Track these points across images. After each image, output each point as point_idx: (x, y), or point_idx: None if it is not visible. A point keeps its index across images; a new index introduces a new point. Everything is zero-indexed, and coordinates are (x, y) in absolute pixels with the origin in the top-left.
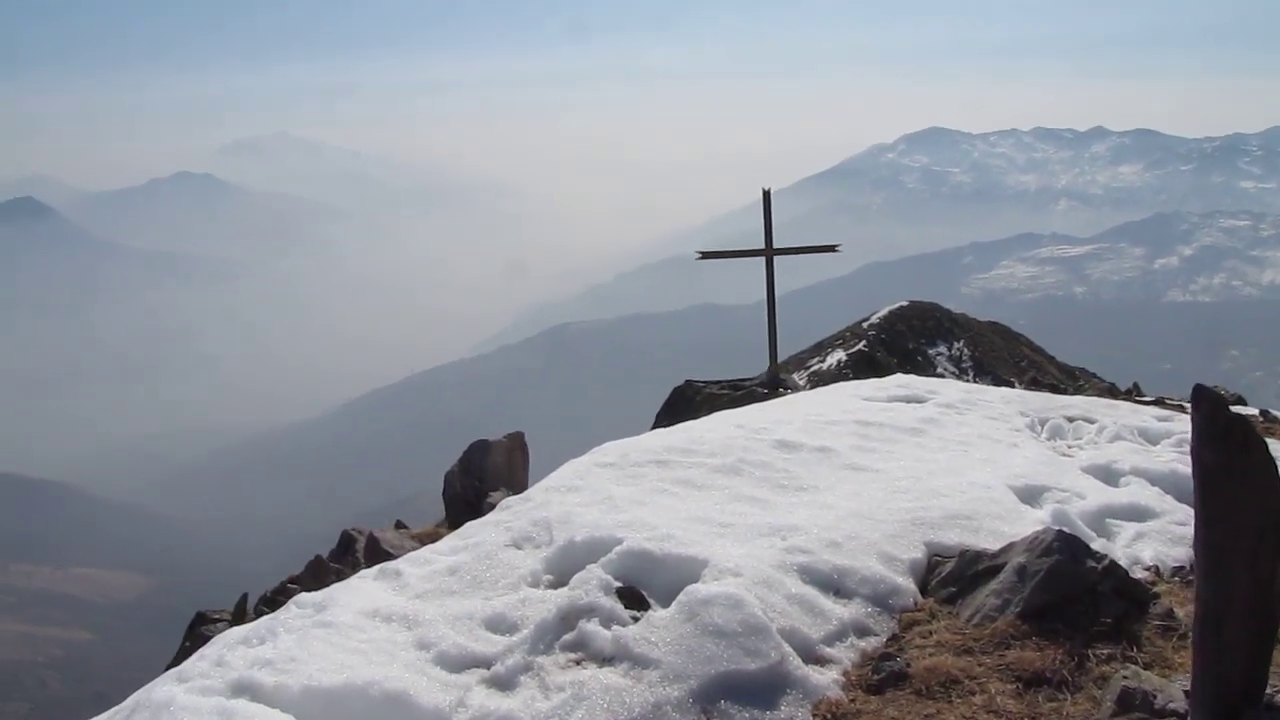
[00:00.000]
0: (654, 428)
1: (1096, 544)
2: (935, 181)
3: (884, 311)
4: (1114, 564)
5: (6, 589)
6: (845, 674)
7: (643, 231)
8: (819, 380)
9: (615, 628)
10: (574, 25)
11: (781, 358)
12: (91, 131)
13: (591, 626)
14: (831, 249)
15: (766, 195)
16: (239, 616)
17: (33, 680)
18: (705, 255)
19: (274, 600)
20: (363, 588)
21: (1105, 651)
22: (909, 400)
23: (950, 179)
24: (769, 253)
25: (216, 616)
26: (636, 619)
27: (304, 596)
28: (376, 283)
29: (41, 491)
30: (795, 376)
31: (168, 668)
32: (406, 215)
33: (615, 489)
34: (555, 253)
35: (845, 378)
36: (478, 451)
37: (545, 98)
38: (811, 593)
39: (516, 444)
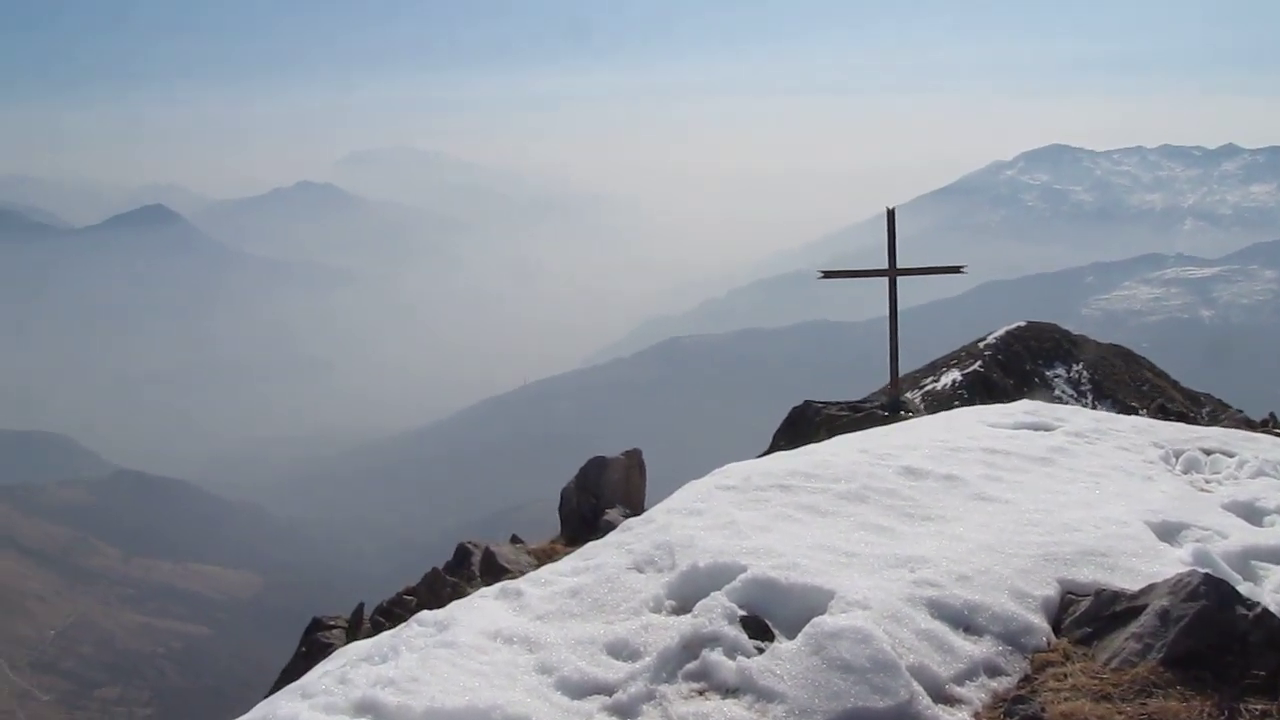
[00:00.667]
0: (772, 448)
1: (1242, 587)
2: (1056, 200)
3: (1001, 331)
4: (1267, 612)
5: (129, 581)
6: (976, 715)
7: (756, 246)
8: (933, 400)
9: (740, 658)
10: (688, 39)
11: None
12: (219, 142)
13: (715, 656)
14: (957, 270)
15: (890, 214)
16: (355, 626)
17: (152, 670)
18: (827, 274)
19: (389, 611)
20: (484, 607)
21: (1259, 708)
22: (1036, 428)
23: (1071, 197)
24: (893, 273)
25: (332, 623)
26: (761, 650)
27: (425, 615)
28: (491, 293)
29: (164, 489)
30: (909, 396)
31: (283, 672)
32: (521, 227)
33: (738, 513)
34: (668, 267)
35: (960, 398)
36: (595, 468)
37: (662, 111)
38: (941, 628)
39: (634, 461)
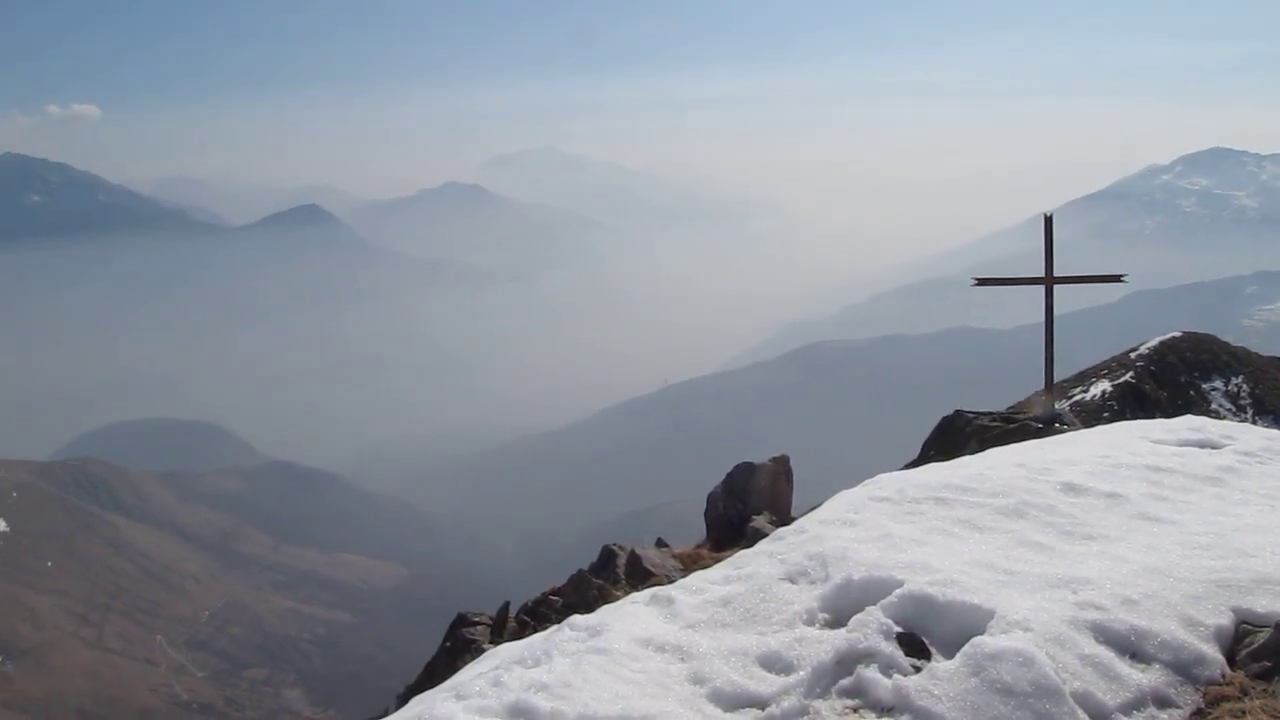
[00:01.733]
0: (922, 457)
1: None
2: (1216, 205)
3: (1154, 342)
4: None
5: (278, 568)
6: None
7: (899, 251)
8: (1081, 410)
9: (896, 676)
10: (832, 41)
11: (1034, 390)
12: (371, 143)
13: (871, 673)
14: (1117, 279)
15: (1048, 221)
16: (500, 624)
17: (297, 654)
18: (981, 282)
19: (535, 610)
20: (635, 613)
21: None
22: (1203, 445)
23: (1233, 203)
24: (1049, 281)
25: (476, 619)
26: (918, 668)
27: (577, 619)
28: (633, 295)
29: (314, 480)
30: (1061, 407)
31: (428, 666)
32: (665, 230)
33: (893, 526)
34: (811, 271)
35: (1109, 409)
36: (742, 473)
37: (805, 115)
38: (1106, 654)
39: (781, 468)
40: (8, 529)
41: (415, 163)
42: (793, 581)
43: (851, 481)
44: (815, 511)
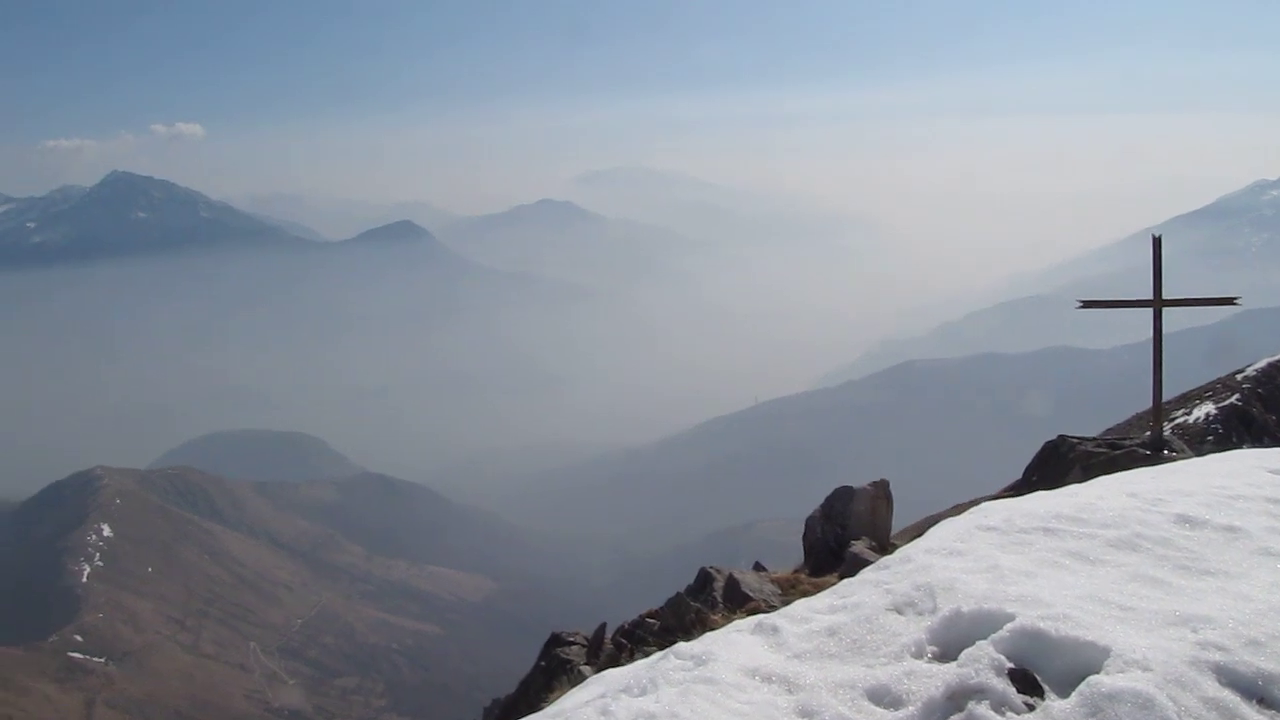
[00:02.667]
0: (1023, 483)
1: None
2: None
3: (1263, 363)
4: None
5: (369, 578)
6: None
7: (995, 269)
8: (1183, 434)
9: (1008, 714)
10: (926, 58)
11: (1143, 409)
12: (465, 160)
13: (982, 710)
14: (1229, 301)
15: (1157, 242)
16: (596, 646)
17: (387, 664)
18: (1087, 304)
19: (631, 633)
20: (740, 642)
21: None
22: None
23: None
24: (1158, 304)
25: (571, 639)
26: (1031, 706)
27: (683, 647)
28: (725, 311)
29: (405, 492)
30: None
31: (522, 683)
32: (756, 246)
33: (1001, 557)
34: (905, 288)
35: (1214, 433)
36: (841, 498)
37: (900, 132)
38: (1231, 698)
39: (881, 493)
40: (112, 534)
41: (509, 179)
42: (900, 612)
43: (945, 503)
44: (920, 540)
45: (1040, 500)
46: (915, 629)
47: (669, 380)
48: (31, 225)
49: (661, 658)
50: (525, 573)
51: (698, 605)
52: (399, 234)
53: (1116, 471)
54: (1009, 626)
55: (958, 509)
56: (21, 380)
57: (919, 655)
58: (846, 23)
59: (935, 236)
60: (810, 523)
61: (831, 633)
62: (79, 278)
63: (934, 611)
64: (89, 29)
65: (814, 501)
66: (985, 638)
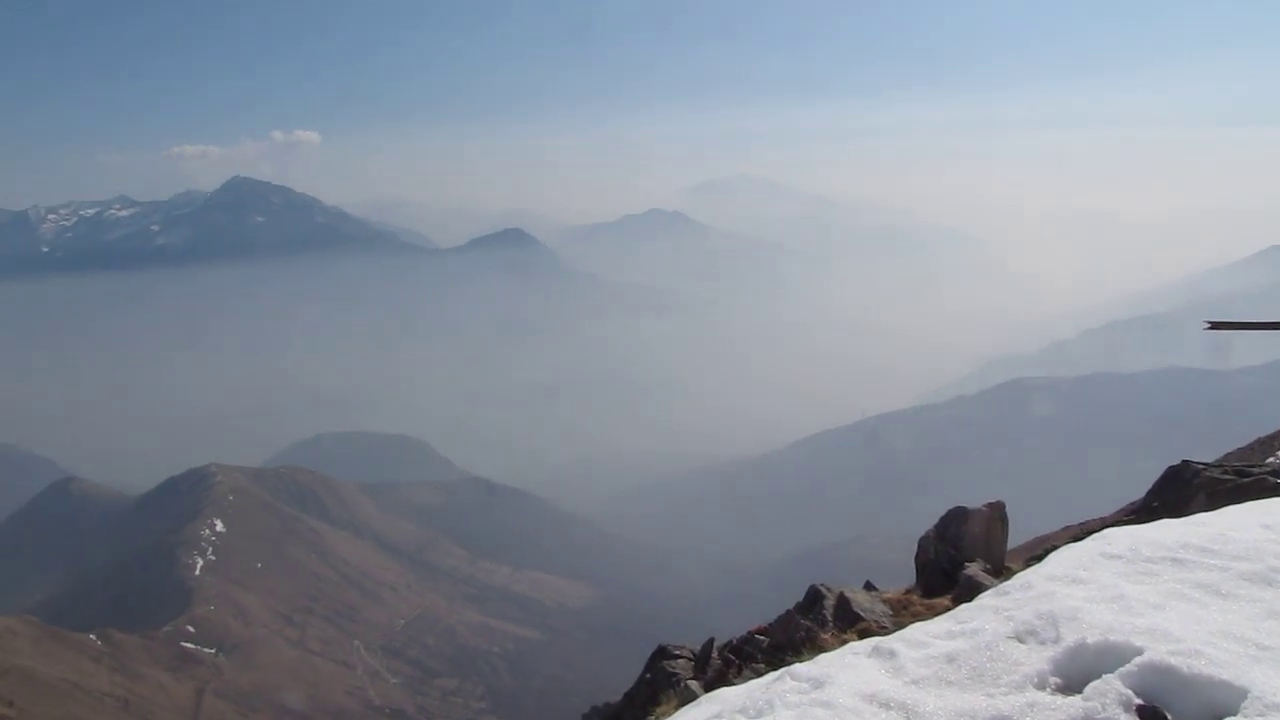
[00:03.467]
0: (1144, 509)
1: None
2: None
3: None
4: None
5: (472, 582)
6: None
7: (1109, 287)
8: None
9: None
10: (1035, 70)
11: (1265, 434)
12: (575, 169)
13: None
14: None
15: None
16: (703, 660)
17: (487, 667)
18: (1215, 326)
19: (740, 649)
20: (857, 665)
21: None
22: None
23: None
24: None
25: (678, 653)
26: None
27: (799, 669)
28: (832, 325)
29: (509, 498)
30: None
31: (627, 695)
32: (863, 259)
33: (1126, 586)
34: (1015, 305)
35: None
36: (955, 519)
37: (1011, 145)
38: None
39: (997, 514)
40: (224, 530)
41: (619, 188)
42: (1021, 641)
43: (1053, 525)
44: (1040, 565)
45: (1167, 529)
46: (1038, 659)
47: (775, 392)
48: (155, 228)
49: (777, 678)
50: (625, 582)
51: (808, 624)
52: (509, 241)
53: (1245, 500)
54: (1137, 661)
55: (1068, 531)
56: (142, 378)
57: (1042, 686)
58: (960, 35)
59: (1047, 253)
60: (923, 542)
61: (950, 659)
62: (199, 279)
63: (1057, 641)
64: (216, 41)
65: (917, 518)
66: (1112, 671)
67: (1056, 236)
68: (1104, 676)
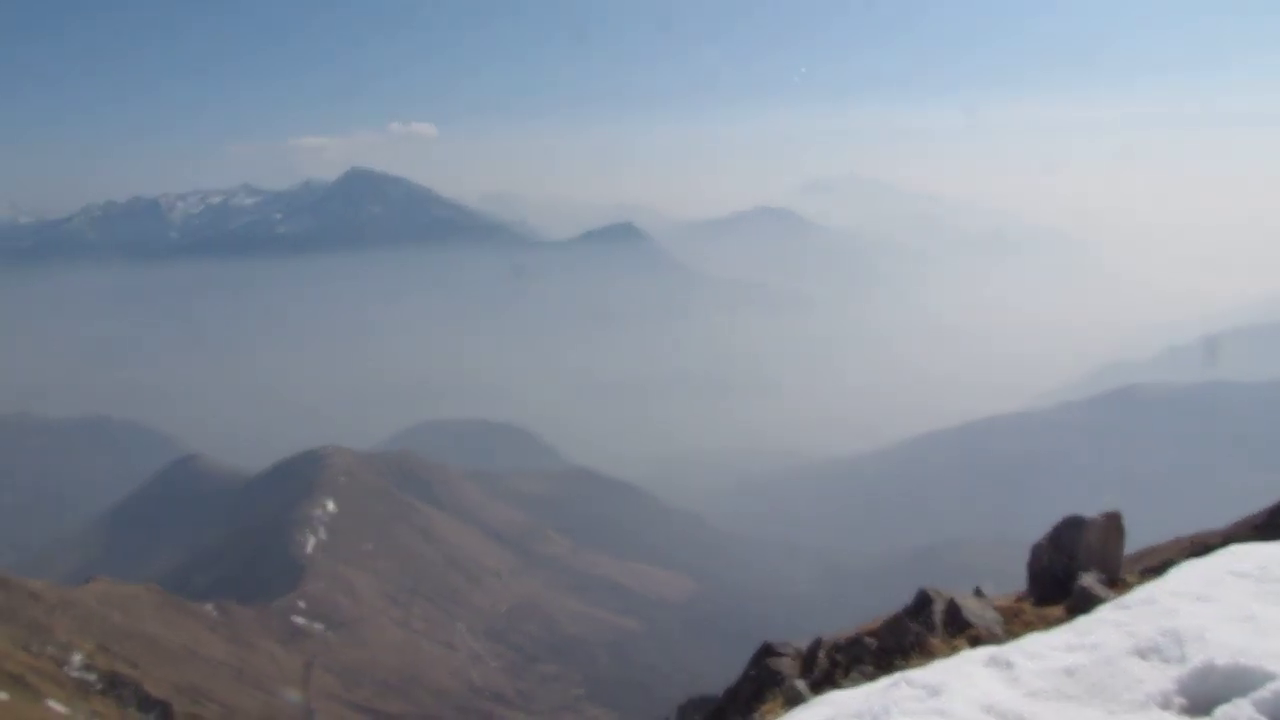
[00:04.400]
0: (1267, 524)
1: None
2: None
3: None
4: None
5: (574, 571)
6: None
7: (1234, 289)
8: None
9: None
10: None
11: None
12: (686, 165)
13: None
14: None
15: None
16: (810, 660)
17: (586, 656)
18: None
19: (847, 651)
20: (973, 674)
21: None
22: None
23: None
24: None
25: (783, 651)
26: None
27: (915, 676)
28: (942, 324)
29: (613, 488)
30: None
31: (729, 690)
32: (976, 259)
33: (1257, 607)
34: (1130, 309)
35: None
36: (1071, 527)
37: (1128, 143)
38: None
39: (1113, 525)
40: (336, 510)
41: (730, 185)
42: (1143, 658)
43: (1162, 535)
44: (1163, 580)
45: None
46: (1161, 677)
47: (881, 391)
48: (277, 216)
49: (893, 685)
50: (723, 577)
51: (917, 628)
52: (619, 235)
53: None
54: (1270, 686)
55: (1179, 543)
56: (261, 361)
57: (1165, 706)
58: (1076, 34)
59: (1164, 256)
60: (1036, 551)
61: (1069, 673)
62: (317, 267)
63: (1182, 660)
64: (338, 34)
65: (1020, 524)
66: (1244, 695)
67: (1175, 239)
68: (1234, 700)
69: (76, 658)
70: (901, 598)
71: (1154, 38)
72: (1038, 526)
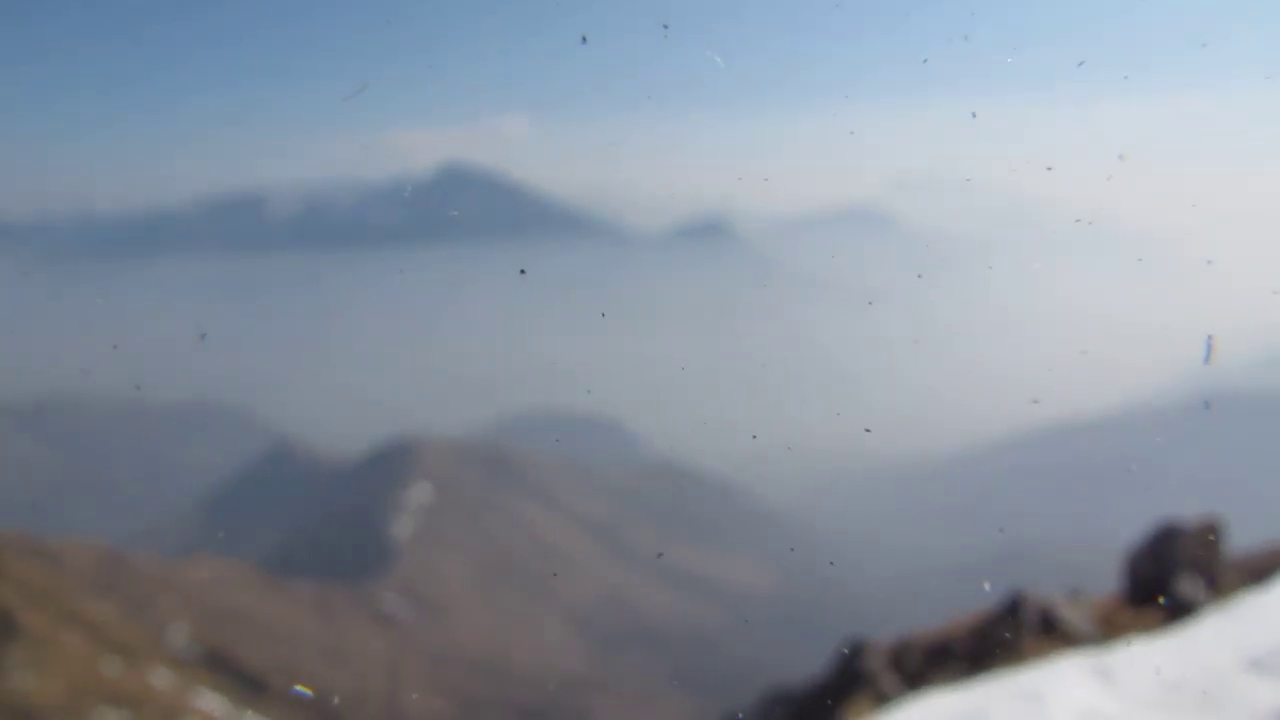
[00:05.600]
0: None
1: None
2: None
3: None
4: None
5: (660, 563)
6: None
7: None
8: None
9: None
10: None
11: None
12: (775, 160)
13: None
14: None
15: None
16: (899, 660)
17: (671, 646)
18: None
19: (939, 649)
20: (1073, 681)
21: None
22: None
23: None
24: None
25: (872, 649)
26: None
27: (1012, 681)
28: (1027, 323)
29: (701, 481)
30: None
31: (818, 685)
32: (1067, 258)
33: None
34: (1226, 310)
35: None
36: (1167, 533)
37: (1225, 139)
38: None
39: (1212, 529)
40: (428, 497)
41: (818, 181)
42: (1256, 671)
43: (1256, 543)
44: (1271, 591)
45: None
46: (1275, 694)
47: (965, 389)
48: (373, 210)
49: (989, 689)
50: (810, 571)
51: (1009, 630)
52: (708, 229)
53: None
54: None
55: (1272, 548)
56: (355, 351)
57: None
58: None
59: (1263, 256)
60: (1133, 553)
61: (1175, 684)
62: (411, 260)
63: None
64: (431, 29)
65: (1105, 526)
66: None
67: (1271, 238)
68: None
69: (178, 633)
70: (983, 598)
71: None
72: (1121, 531)
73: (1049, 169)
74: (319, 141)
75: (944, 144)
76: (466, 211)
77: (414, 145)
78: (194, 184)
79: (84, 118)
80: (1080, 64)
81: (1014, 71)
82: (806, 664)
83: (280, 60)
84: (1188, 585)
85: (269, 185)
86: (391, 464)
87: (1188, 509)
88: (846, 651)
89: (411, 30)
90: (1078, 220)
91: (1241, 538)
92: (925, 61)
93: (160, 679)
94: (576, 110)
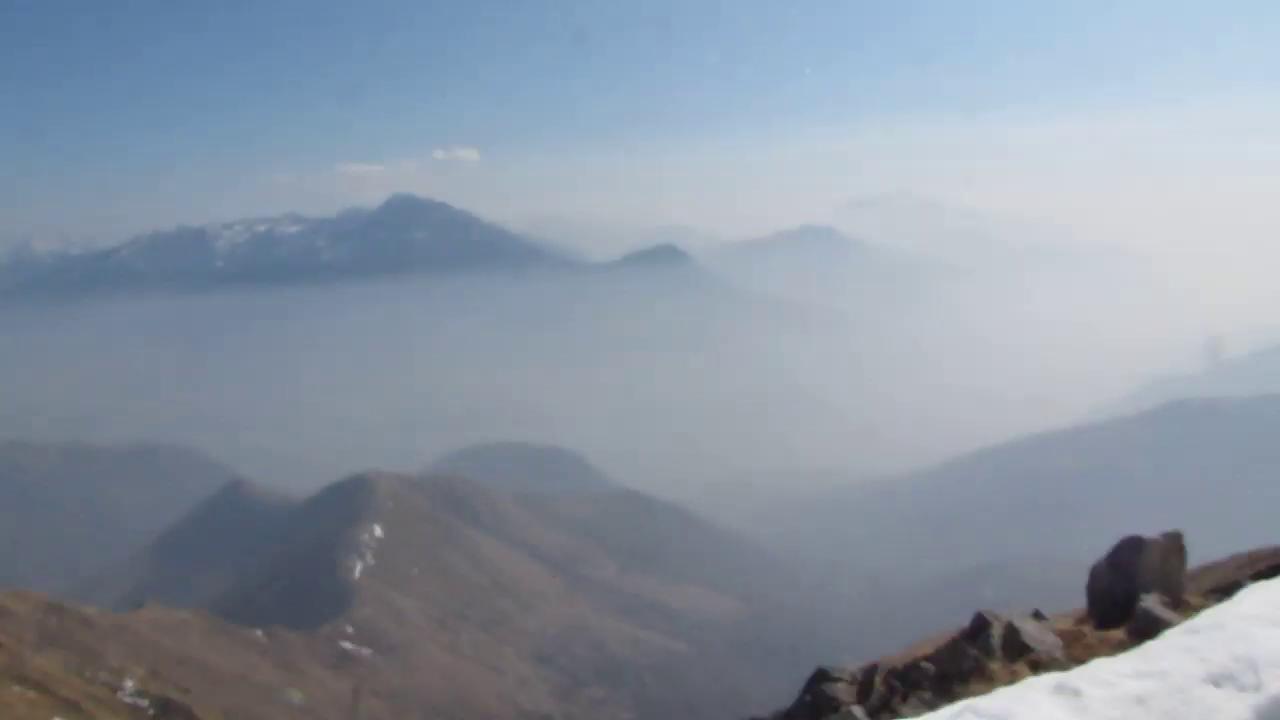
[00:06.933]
0: None
1: None
2: None
3: None
4: None
5: (621, 593)
6: None
7: None
8: None
9: None
10: (1203, 75)
11: None
12: (727, 185)
13: None
14: None
15: None
16: (866, 687)
17: (634, 678)
18: None
19: (905, 676)
20: (1040, 703)
21: None
22: None
23: None
24: None
25: (837, 676)
26: None
27: (981, 704)
28: (990, 341)
29: (660, 511)
30: None
31: (778, 715)
32: (1024, 275)
33: None
34: (1182, 321)
35: None
36: (1130, 548)
37: (1177, 155)
38: None
39: (1174, 546)
40: (383, 535)
41: (770, 204)
42: (1217, 685)
43: (1219, 552)
44: (1232, 604)
45: None
46: (1238, 706)
47: (929, 409)
48: (321, 244)
49: (959, 714)
50: (775, 597)
51: (976, 653)
52: (662, 257)
53: None
54: None
55: (1236, 559)
56: (307, 388)
57: None
58: (1117, 46)
59: (1216, 269)
60: (1095, 572)
61: (1140, 701)
62: (361, 294)
63: (1259, 688)
64: (377, 65)
65: (1073, 541)
66: None
67: (1228, 252)
68: None
69: (129, 683)
70: (952, 617)
71: (1210, 50)
72: (1090, 545)
73: (1010, 188)
74: (265, 177)
75: (903, 164)
76: (416, 244)
77: (362, 179)
78: (135, 223)
79: (20, 157)
80: (1044, 83)
81: (976, 91)
82: (773, 691)
83: (224, 96)
84: (1151, 601)
85: (213, 222)
86: (345, 502)
87: (1151, 517)
88: (812, 679)
89: (358, 66)
90: (1033, 238)
91: (1204, 549)
92: (886, 81)
93: None
94: (527, 141)
